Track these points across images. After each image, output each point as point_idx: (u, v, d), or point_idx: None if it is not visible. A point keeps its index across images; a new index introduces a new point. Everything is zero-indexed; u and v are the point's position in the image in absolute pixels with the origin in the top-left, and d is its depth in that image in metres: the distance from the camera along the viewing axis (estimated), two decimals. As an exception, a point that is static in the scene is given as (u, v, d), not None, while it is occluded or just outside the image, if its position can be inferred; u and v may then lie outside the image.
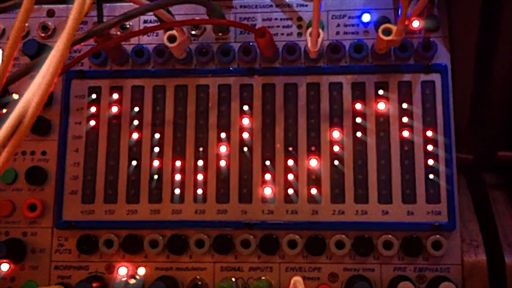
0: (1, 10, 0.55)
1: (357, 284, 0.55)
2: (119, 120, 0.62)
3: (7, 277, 0.61)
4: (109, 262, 0.60)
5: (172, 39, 0.58)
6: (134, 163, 0.61)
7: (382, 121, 0.59)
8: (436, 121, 0.59)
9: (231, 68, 0.62)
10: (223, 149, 0.60)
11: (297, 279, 0.53)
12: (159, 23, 0.60)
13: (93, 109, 0.63)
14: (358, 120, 0.59)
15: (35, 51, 0.61)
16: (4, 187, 0.63)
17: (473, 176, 0.66)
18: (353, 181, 0.59)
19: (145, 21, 0.65)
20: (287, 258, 0.59)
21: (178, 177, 0.60)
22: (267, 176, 0.59)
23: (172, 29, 0.58)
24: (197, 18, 0.62)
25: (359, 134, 0.59)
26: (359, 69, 0.60)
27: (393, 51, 0.60)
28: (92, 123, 0.62)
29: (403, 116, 0.59)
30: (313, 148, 0.60)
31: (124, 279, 0.58)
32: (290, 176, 0.59)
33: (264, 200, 0.59)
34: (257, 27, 0.58)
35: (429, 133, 0.58)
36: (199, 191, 0.60)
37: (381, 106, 0.59)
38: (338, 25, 0.62)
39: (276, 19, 0.63)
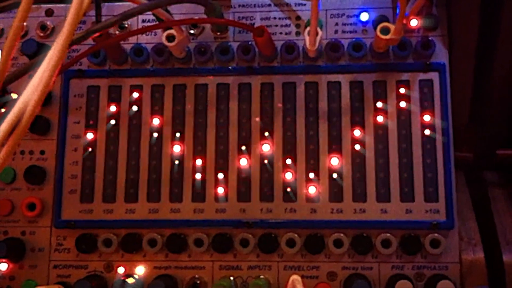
0: (0, 10, 0.56)
1: (355, 282, 0.55)
2: (118, 120, 0.62)
3: (6, 276, 0.61)
4: (108, 261, 0.61)
5: (170, 38, 0.58)
6: (132, 162, 0.61)
7: (381, 120, 0.59)
8: (434, 120, 0.59)
9: (230, 67, 0.62)
10: (221, 147, 0.60)
11: (295, 278, 0.53)
12: (157, 23, 0.60)
13: (91, 109, 0.63)
14: (357, 119, 0.59)
15: (34, 51, 0.62)
16: (3, 186, 0.63)
17: (473, 175, 0.67)
18: (351, 180, 0.59)
19: (143, 21, 0.65)
20: (286, 256, 0.59)
21: (176, 176, 0.60)
22: (265, 175, 0.59)
23: (170, 29, 0.58)
24: (195, 17, 0.62)
25: (357, 133, 0.59)
26: (358, 68, 0.60)
27: (392, 50, 0.60)
28: (91, 122, 0.62)
29: (401, 115, 0.59)
30: (311, 147, 0.60)
31: (123, 278, 0.58)
32: (289, 175, 0.59)
33: (262, 198, 0.59)
34: (255, 26, 0.58)
35: (427, 132, 0.58)
36: (198, 190, 0.60)
37: (379, 105, 0.59)
38: (337, 24, 0.62)
39: (274, 18, 0.63)
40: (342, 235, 0.58)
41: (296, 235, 0.58)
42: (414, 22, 0.59)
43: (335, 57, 0.61)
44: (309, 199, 0.59)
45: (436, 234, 0.57)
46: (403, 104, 0.59)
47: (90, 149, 0.62)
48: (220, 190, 0.60)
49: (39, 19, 0.66)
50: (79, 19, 0.38)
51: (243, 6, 0.64)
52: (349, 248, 0.58)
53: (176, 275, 0.60)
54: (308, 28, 0.56)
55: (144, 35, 0.64)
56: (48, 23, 0.65)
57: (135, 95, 0.62)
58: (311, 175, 0.59)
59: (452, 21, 0.60)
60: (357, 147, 0.59)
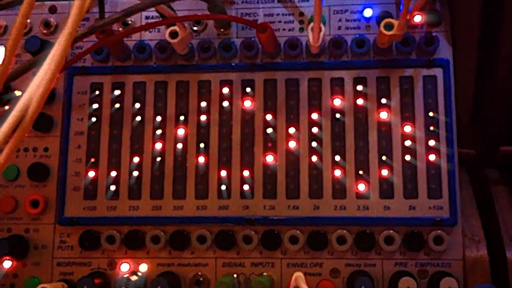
0: (3, 7, 0.55)
1: (358, 279, 0.55)
2: (121, 116, 0.62)
3: (10, 274, 0.61)
4: (111, 258, 0.61)
5: (174, 35, 0.58)
6: (136, 159, 0.61)
7: (384, 116, 0.59)
8: (438, 116, 0.58)
9: (233, 64, 0.62)
10: (224, 144, 0.60)
11: (298, 275, 0.53)
12: (161, 19, 0.60)
13: (95, 105, 0.63)
14: (360, 115, 0.59)
15: (37, 48, 0.61)
16: (6, 183, 0.63)
17: (476, 172, 0.66)
18: (354, 176, 0.59)
19: (147, 17, 0.65)
20: (289, 253, 0.59)
21: (179, 173, 0.60)
22: (268, 172, 0.59)
23: (174, 25, 0.58)
24: (198, 13, 0.62)
25: (360, 129, 0.59)
26: (361, 64, 0.60)
27: (395, 46, 0.60)
28: (94, 119, 0.62)
29: (404, 111, 0.59)
30: (314, 144, 0.59)
31: (126, 275, 0.58)
32: (291, 172, 0.59)
33: (265, 195, 0.59)
34: (258, 22, 0.58)
35: (431, 128, 0.58)
36: (200, 187, 0.60)
37: (383, 101, 0.59)
38: (340, 20, 0.62)
39: (277, 14, 0.63)
40: (345, 232, 0.58)
41: (299, 232, 0.58)
42: (417, 18, 0.59)
43: (339, 53, 0.61)
44: (312, 195, 0.59)
45: (439, 231, 0.57)
46: (406, 100, 0.59)
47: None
48: (223, 187, 0.60)
49: (43, 16, 0.66)
50: (82, 16, 0.38)
51: (246, 2, 0.64)
52: (352, 245, 0.58)
53: (179, 272, 0.60)
54: (311, 24, 0.56)
55: (147, 31, 0.64)
56: (51, 20, 0.65)
57: (138, 91, 0.62)
58: (314, 171, 0.59)
59: (455, 18, 0.60)
60: (360, 144, 0.59)
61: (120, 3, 0.64)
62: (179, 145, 0.61)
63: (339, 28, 0.62)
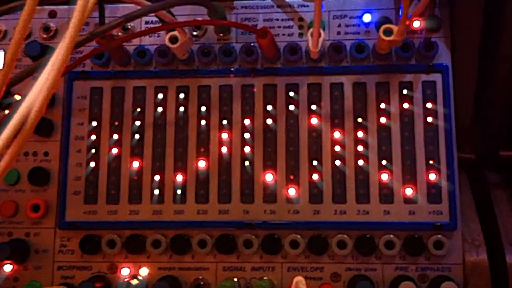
0: (4, 12, 0.56)
1: (359, 283, 0.55)
2: (121, 121, 0.62)
3: (11, 278, 0.61)
4: (112, 262, 0.61)
5: (174, 40, 0.58)
6: (136, 163, 0.61)
7: (383, 121, 0.59)
8: (437, 121, 0.59)
9: (232, 69, 0.62)
10: (224, 149, 0.60)
11: (299, 279, 0.53)
12: (161, 24, 0.60)
13: (95, 110, 0.63)
14: (359, 120, 0.60)
15: (38, 53, 0.61)
16: (7, 188, 0.63)
17: (476, 176, 0.66)
18: (354, 181, 0.59)
19: (146, 22, 0.65)
20: (289, 258, 0.59)
21: (180, 177, 0.60)
22: (269, 177, 0.60)
23: (174, 30, 0.58)
24: (198, 18, 0.62)
25: (360, 134, 0.59)
26: (361, 70, 0.60)
27: (395, 51, 0.60)
28: (94, 123, 0.62)
29: (404, 116, 0.59)
30: (314, 149, 0.60)
31: (126, 279, 0.58)
32: (292, 176, 0.59)
33: (266, 200, 0.59)
34: (258, 27, 0.58)
35: (430, 133, 0.58)
36: (201, 192, 0.60)
37: (382, 106, 0.59)
38: (339, 25, 0.62)
39: (277, 19, 0.63)
40: (345, 236, 0.58)
41: (299, 236, 0.58)
42: (416, 24, 0.59)
43: (338, 59, 0.61)
44: (312, 200, 0.59)
45: (439, 236, 0.57)
46: (406, 105, 0.59)
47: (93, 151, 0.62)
48: (223, 191, 0.60)
49: (42, 20, 0.66)
50: (83, 21, 0.38)
51: (246, 7, 0.64)
52: (352, 249, 0.58)
53: (180, 276, 0.60)
54: (311, 30, 0.56)
55: (147, 36, 0.64)
56: (51, 24, 0.65)
57: (138, 96, 0.62)
58: (315, 176, 0.59)
59: (455, 22, 0.60)
60: (360, 148, 0.59)
61: (120, 8, 0.64)
62: (179, 150, 0.61)
63: (339, 33, 0.62)
